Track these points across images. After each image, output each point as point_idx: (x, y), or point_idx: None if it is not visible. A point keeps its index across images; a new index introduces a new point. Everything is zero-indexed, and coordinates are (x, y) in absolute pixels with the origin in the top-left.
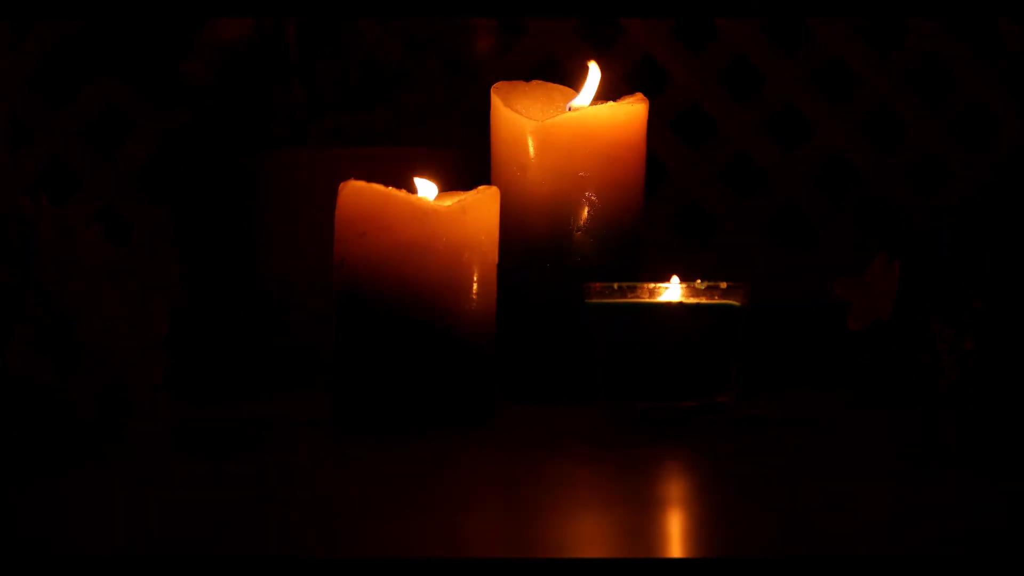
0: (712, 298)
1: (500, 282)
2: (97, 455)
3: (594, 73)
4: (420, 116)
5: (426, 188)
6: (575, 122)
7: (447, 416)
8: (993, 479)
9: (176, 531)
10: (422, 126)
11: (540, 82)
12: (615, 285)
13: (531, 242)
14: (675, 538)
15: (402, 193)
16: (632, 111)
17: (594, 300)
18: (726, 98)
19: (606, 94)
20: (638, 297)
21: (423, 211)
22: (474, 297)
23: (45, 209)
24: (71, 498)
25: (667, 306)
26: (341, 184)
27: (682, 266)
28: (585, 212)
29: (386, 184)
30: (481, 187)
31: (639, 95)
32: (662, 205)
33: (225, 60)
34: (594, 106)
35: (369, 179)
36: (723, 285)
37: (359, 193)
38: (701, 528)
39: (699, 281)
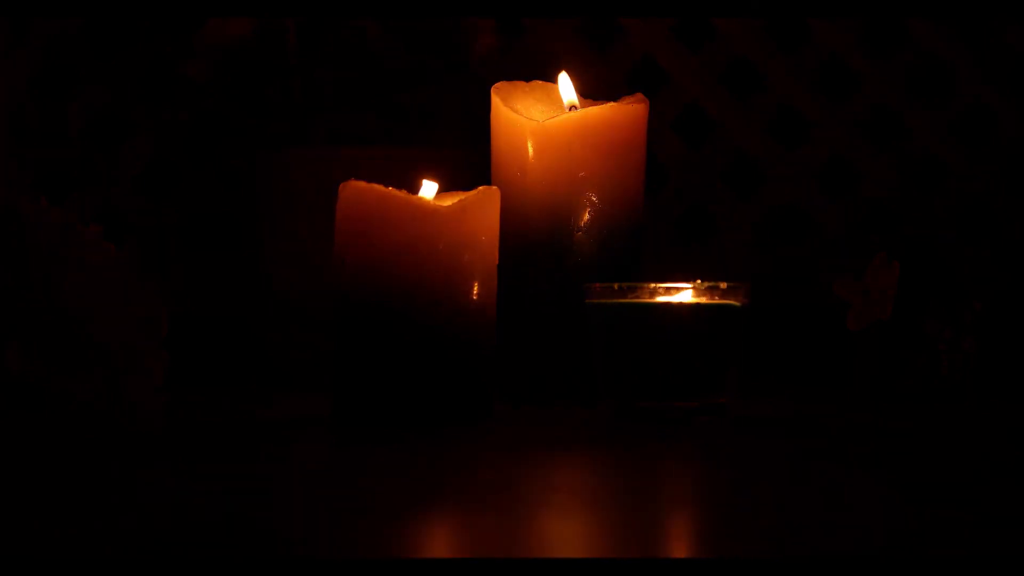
0: (712, 298)
1: (500, 282)
2: (97, 455)
3: (564, 81)
4: (420, 116)
5: (426, 188)
6: (575, 122)
7: (446, 415)
8: (992, 479)
9: (176, 531)
10: (422, 126)
11: (540, 82)
12: (615, 285)
13: (531, 242)
14: (675, 538)
15: (402, 193)
16: (632, 111)
17: (594, 300)
18: (726, 98)
19: (606, 94)
20: (638, 297)
21: (423, 211)
22: (474, 297)
23: (45, 209)
24: (70, 498)
25: (667, 306)
26: (341, 184)
27: (682, 266)
28: (585, 212)
29: (386, 184)
30: (481, 187)
31: (639, 95)
32: (662, 205)
33: (225, 60)
34: (594, 106)
35: (369, 179)
36: (723, 285)
37: (359, 193)
38: (701, 528)
39: (699, 281)
